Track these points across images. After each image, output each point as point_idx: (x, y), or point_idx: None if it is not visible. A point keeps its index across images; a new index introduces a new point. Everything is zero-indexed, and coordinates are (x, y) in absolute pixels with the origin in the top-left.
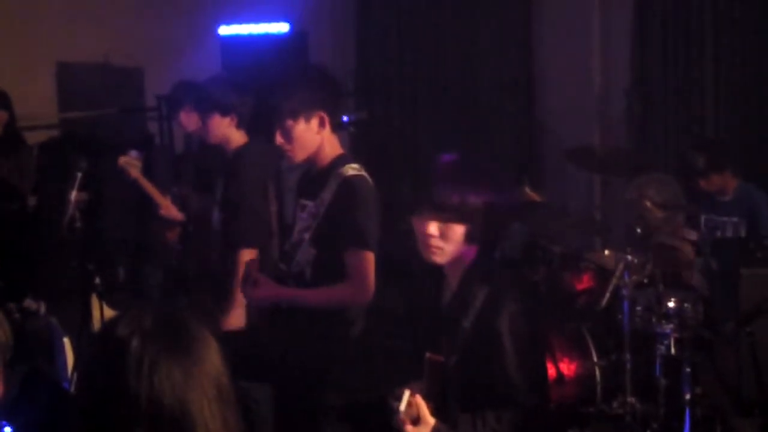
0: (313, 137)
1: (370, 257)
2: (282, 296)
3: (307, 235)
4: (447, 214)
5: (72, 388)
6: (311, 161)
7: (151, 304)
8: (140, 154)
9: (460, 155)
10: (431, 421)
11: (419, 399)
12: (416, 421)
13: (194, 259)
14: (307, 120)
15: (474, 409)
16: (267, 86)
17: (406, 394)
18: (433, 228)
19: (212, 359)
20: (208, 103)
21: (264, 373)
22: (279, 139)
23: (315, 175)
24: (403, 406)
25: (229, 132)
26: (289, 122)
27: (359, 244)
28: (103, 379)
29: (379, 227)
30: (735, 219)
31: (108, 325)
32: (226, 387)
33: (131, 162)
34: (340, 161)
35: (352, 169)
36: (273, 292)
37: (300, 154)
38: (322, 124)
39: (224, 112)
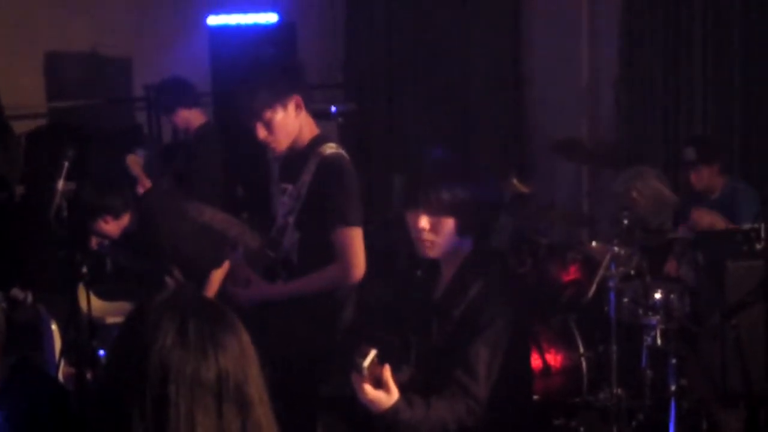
0: (293, 122)
1: (357, 233)
2: (274, 295)
3: (291, 219)
4: (436, 208)
5: (61, 375)
6: (291, 146)
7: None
8: (144, 153)
9: (448, 150)
10: (396, 394)
11: (387, 369)
12: (378, 383)
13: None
14: (284, 107)
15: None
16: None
17: (372, 352)
18: (424, 222)
19: (244, 330)
20: None
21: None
22: (261, 133)
23: (294, 158)
24: (367, 363)
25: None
26: (268, 114)
27: (343, 222)
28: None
29: (360, 203)
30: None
31: (145, 318)
32: (257, 354)
33: (136, 160)
34: (317, 141)
35: (330, 147)
36: (264, 291)
37: (284, 143)
38: (299, 107)
39: None
